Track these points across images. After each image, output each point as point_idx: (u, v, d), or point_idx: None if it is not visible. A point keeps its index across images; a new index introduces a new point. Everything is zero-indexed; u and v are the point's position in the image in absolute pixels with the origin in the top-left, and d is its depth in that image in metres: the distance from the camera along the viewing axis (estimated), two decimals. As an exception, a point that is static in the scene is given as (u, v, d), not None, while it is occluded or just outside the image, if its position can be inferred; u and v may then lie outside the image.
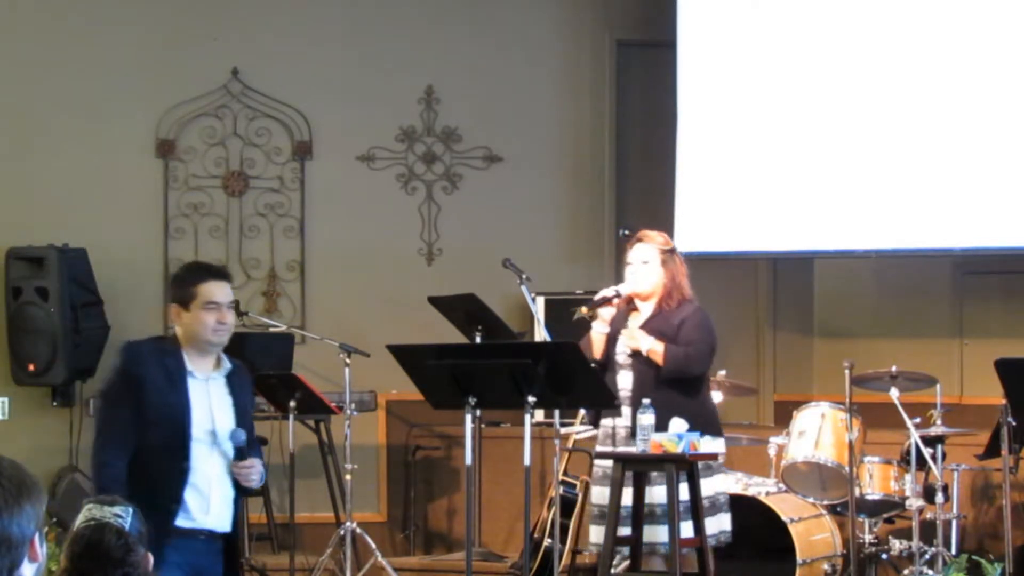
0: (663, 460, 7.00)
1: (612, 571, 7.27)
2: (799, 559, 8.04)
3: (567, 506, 8.41)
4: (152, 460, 5.48)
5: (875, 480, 8.25)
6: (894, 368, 8.18)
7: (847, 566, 8.14)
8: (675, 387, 7.21)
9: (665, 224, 9.56)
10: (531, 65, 10.25)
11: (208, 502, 5.54)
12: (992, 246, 8.99)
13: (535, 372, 6.78)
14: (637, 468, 7.22)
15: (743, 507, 7.84)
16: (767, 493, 8.20)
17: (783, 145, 9.34)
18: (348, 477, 8.62)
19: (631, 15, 10.37)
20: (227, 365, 5.70)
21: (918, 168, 9.06)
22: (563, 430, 8.27)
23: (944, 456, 8.20)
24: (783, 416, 8.95)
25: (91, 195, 9.79)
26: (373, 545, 8.73)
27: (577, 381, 6.98)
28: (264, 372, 8.77)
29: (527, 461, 7.06)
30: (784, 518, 8.06)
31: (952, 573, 7.46)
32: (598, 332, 7.34)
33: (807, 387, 9.67)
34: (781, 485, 8.33)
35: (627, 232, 10.36)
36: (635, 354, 7.28)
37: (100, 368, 9.51)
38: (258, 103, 10.03)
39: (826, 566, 8.22)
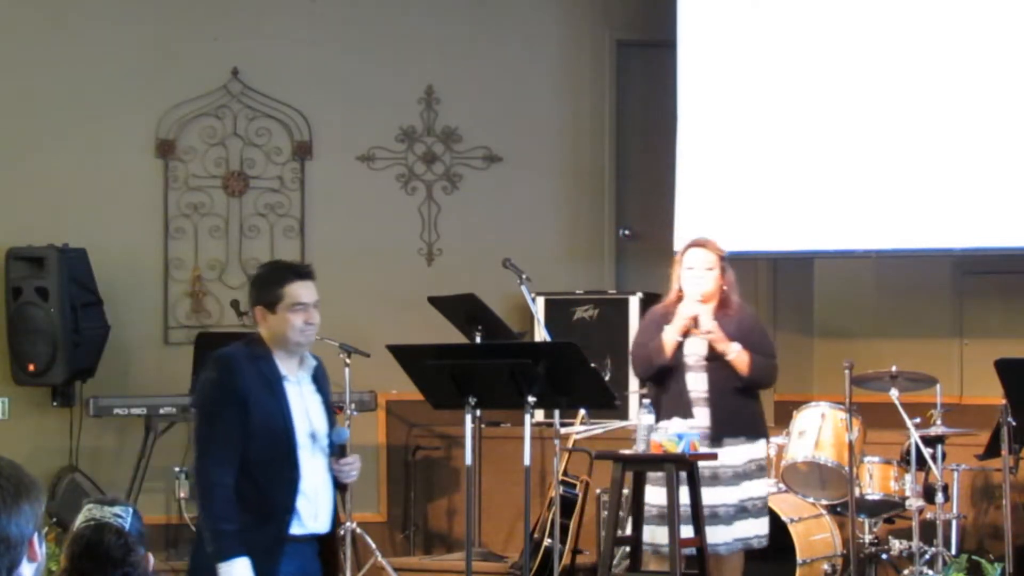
0: (663, 460, 7.00)
1: (612, 571, 7.28)
2: (799, 559, 8.04)
3: (567, 506, 8.41)
4: (261, 472, 5.31)
5: (875, 480, 8.25)
6: (894, 368, 8.18)
7: (847, 566, 8.14)
8: (743, 391, 7.35)
9: (665, 224, 9.58)
10: (531, 65, 10.25)
11: (316, 506, 5.42)
12: (992, 246, 8.99)
13: (535, 372, 6.78)
14: (637, 468, 7.23)
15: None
16: (767, 493, 8.20)
17: (783, 145, 9.34)
18: (348, 477, 8.60)
19: (631, 15, 10.37)
20: (311, 362, 5.54)
21: (918, 168, 9.06)
22: (563, 430, 8.27)
23: (944, 456, 8.20)
24: (783, 416, 8.94)
25: (91, 195, 9.79)
26: (373, 545, 8.74)
27: (577, 381, 6.99)
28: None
29: (527, 461, 7.07)
30: (784, 518, 8.06)
31: (952, 573, 7.46)
32: (673, 338, 7.32)
33: (807, 387, 9.66)
34: (781, 485, 8.33)
35: (627, 232, 10.41)
36: (711, 357, 7.31)
37: (100, 368, 9.53)
38: (258, 103, 10.03)
39: (826, 566, 8.22)
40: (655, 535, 7.20)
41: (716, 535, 7.23)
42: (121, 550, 3.46)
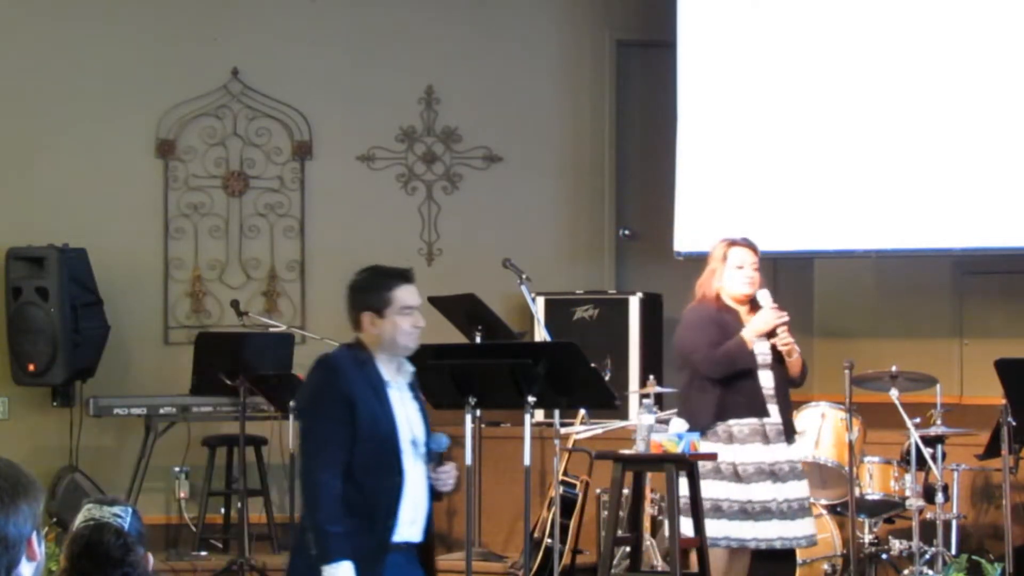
0: (663, 460, 7.00)
1: (612, 571, 7.27)
2: (799, 559, 8.04)
3: (567, 506, 8.41)
4: (366, 476, 5.24)
5: (875, 480, 8.25)
6: (894, 368, 8.17)
7: (847, 566, 8.13)
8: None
9: (665, 224, 9.58)
10: (531, 65, 10.25)
11: (415, 513, 5.35)
12: (992, 246, 8.99)
13: (535, 372, 6.78)
14: (637, 468, 7.22)
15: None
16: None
17: (783, 145, 9.34)
18: (348, 477, 8.60)
19: (631, 15, 10.37)
20: (409, 368, 5.47)
21: (918, 168, 9.06)
22: (563, 430, 8.27)
23: (944, 456, 8.19)
24: (783, 416, 8.94)
25: (91, 195, 9.79)
26: (373, 545, 8.71)
27: (577, 381, 6.98)
28: (264, 372, 8.79)
29: (527, 461, 7.07)
30: (784, 518, 8.05)
31: (952, 573, 7.46)
32: (752, 340, 7.29)
33: (807, 387, 9.63)
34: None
35: (627, 232, 10.41)
36: (775, 358, 7.33)
37: (100, 368, 9.52)
38: (258, 103, 10.03)
39: (826, 566, 8.22)
40: (715, 528, 7.18)
41: (808, 527, 7.33)
42: (120, 550, 3.46)
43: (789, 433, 7.39)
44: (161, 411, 9.19)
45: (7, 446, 8.93)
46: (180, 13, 9.93)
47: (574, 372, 6.94)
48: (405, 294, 5.38)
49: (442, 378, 6.98)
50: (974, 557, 7.44)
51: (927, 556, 8.08)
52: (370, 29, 10.10)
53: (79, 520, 3.51)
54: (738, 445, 7.21)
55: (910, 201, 9.07)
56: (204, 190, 10.00)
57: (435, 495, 5.48)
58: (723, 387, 7.25)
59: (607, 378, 7.73)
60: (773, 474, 7.22)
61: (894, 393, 8.06)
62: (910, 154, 9.07)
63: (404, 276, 5.45)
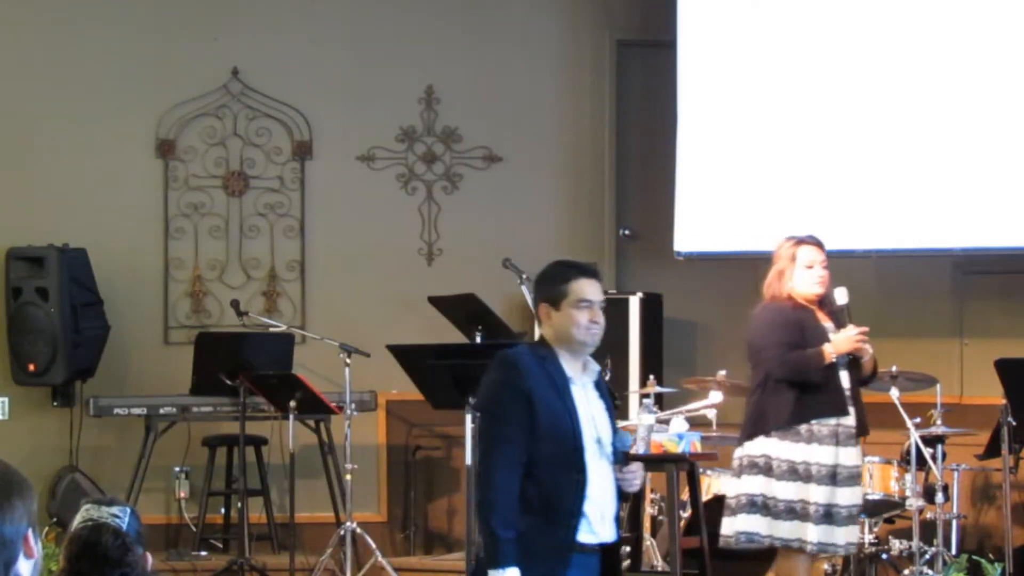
0: (663, 460, 7.01)
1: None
2: (799, 559, 8.03)
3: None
4: (547, 474, 5.12)
5: (875, 480, 8.25)
6: (894, 368, 8.18)
7: (847, 566, 8.14)
8: None
9: (665, 224, 9.58)
10: (531, 65, 10.24)
11: (603, 513, 5.22)
12: (992, 246, 9.00)
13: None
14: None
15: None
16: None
17: (783, 145, 9.34)
18: (348, 477, 8.62)
19: (631, 15, 10.36)
20: (594, 367, 5.33)
21: (918, 168, 9.06)
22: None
23: (944, 456, 8.20)
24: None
25: (91, 195, 9.79)
26: (373, 545, 8.73)
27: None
28: (264, 372, 8.79)
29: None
30: (784, 518, 8.04)
31: (952, 573, 7.46)
32: (831, 355, 7.12)
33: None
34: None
35: (627, 232, 10.40)
36: (852, 359, 7.12)
37: (100, 368, 9.53)
38: (258, 103, 10.03)
39: (826, 566, 8.22)
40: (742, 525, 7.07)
41: (854, 534, 7.17)
42: (119, 550, 3.45)
43: (860, 434, 7.13)
44: (161, 411, 9.18)
45: (7, 446, 8.93)
46: (180, 13, 9.93)
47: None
48: (583, 287, 5.23)
49: (442, 378, 6.98)
50: (974, 557, 7.44)
51: (927, 556, 8.08)
52: (370, 29, 10.09)
53: (77, 520, 3.51)
54: (816, 445, 7.00)
55: (910, 201, 9.07)
56: (204, 190, 10.00)
57: (622, 496, 5.35)
58: (804, 386, 7.02)
59: (607, 378, 7.72)
60: (833, 477, 7.00)
61: (894, 393, 8.06)
62: (910, 154, 9.07)
63: (584, 270, 5.31)
